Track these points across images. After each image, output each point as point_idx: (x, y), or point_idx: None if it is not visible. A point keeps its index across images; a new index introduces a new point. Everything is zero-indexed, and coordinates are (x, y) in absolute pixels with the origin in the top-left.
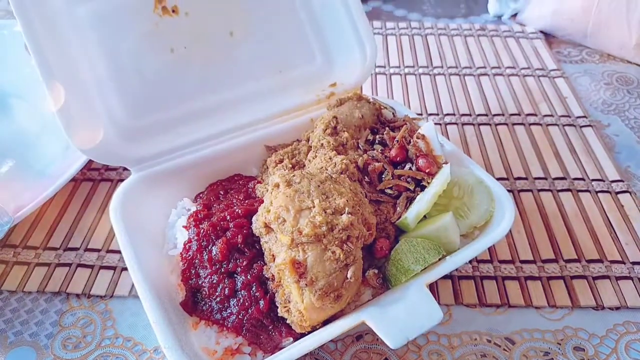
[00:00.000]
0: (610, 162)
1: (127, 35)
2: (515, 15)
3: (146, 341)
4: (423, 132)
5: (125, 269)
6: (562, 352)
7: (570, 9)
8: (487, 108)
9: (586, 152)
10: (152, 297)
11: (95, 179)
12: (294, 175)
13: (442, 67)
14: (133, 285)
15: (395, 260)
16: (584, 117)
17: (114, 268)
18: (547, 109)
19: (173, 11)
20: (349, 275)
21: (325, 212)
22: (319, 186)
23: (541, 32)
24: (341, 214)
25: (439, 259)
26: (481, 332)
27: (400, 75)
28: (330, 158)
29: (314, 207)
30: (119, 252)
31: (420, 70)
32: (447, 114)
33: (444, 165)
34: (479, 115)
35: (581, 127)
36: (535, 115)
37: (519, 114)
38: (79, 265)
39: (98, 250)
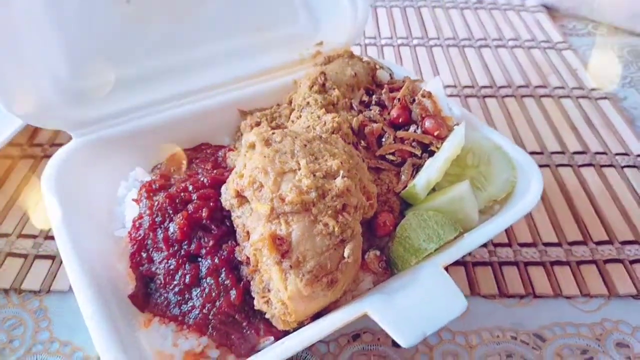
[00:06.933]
0: (633, 135)
1: None
2: None
3: (88, 346)
4: (429, 90)
5: None
6: (602, 349)
7: None
8: (492, 80)
9: (605, 125)
10: (86, 285)
11: (37, 155)
12: (273, 133)
13: (438, 38)
14: None
15: (403, 238)
16: (598, 89)
17: (52, 258)
18: (557, 81)
19: None
20: (346, 254)
21: (315, 176)
22: (305, 145)
23: (543, 6)
24: (334, 178)
25: (456, 237)
26: (504, 328)
27: (393, 46)
28: (318, 117)
29: (299, 169)
30: None
31: (415, 42)
32: (448, 86)
33: (455, 126)
34: (482, 87)
35: (596, 99)
36: (545, 87)
37: (527, 86)
38: (10, 254)
39: (34, 237)
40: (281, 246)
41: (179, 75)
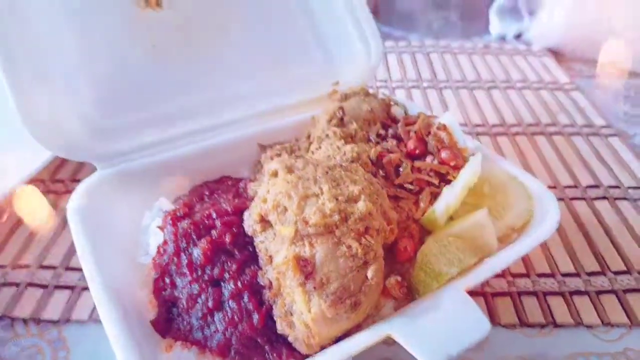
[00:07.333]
0: None
1: (103, 25)
2: (519, 35)
3: None
4: (444, 122)
5: (86, 288)
6: None
7: (582, 24)
8: (502, 118)
9: (617, 161)
10: (112, 309)
11: (59, 190)
12: (296, 161)
13: (447, 81)
14: (95, 307)
15: (424, 264)
16: (608, 127)
17: (72, 288)
18: (566, 119)
19: (157, 4)
20: (369, 276)
21: (337, 200)
22: (327, 172)
23: (548, 50)
24: (356, 202)
25: (476, 263)
26: (525, 358)
27: (404, 89)
28: (338, 147)
29: (322, 193)
30: (80, 269)
31: (425, 84)
32: (460, 124)
33: (471, 156)
34: (493, 125)
35: (606, 136)
36: (555, 125)
37: (536, 124)
38: (29, 284)
39: (54, 268)
40: (305, 267)
41: (201, 113)
